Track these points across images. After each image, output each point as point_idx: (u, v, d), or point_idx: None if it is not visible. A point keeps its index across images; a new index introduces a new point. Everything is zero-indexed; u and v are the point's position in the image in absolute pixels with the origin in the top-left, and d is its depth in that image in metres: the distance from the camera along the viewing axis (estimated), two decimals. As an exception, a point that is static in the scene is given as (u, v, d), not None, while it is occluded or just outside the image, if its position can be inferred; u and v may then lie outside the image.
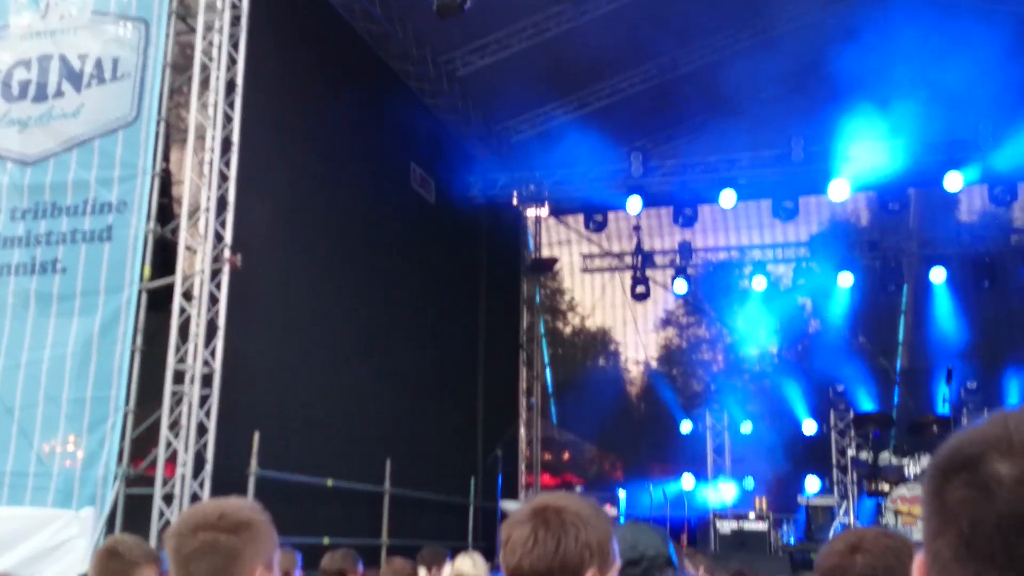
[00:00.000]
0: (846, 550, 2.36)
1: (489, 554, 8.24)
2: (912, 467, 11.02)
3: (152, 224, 7.96)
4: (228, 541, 1.90)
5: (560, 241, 16.07)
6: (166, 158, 8.60)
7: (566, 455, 16.19)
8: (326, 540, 8.11)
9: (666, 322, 16.76)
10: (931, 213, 13.73)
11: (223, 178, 7.96)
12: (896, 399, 14.10)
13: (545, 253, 15.99)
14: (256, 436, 8.03)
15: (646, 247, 15.31)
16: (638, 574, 2.42)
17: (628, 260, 15.53)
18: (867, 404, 13.30)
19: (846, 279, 13.80)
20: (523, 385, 15.28)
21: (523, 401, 15.16)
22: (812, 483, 13.00)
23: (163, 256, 8.10)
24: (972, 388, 11.85)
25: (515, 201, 14.51)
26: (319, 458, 9.11)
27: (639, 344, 16.52)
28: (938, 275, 13.46)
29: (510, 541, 1.98)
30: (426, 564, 6.59)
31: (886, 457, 11.32)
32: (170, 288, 7.77)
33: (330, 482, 9.21)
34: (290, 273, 9.18)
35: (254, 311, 8.49)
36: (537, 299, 16.03)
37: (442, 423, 11.97)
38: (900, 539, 2.42)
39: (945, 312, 13.58)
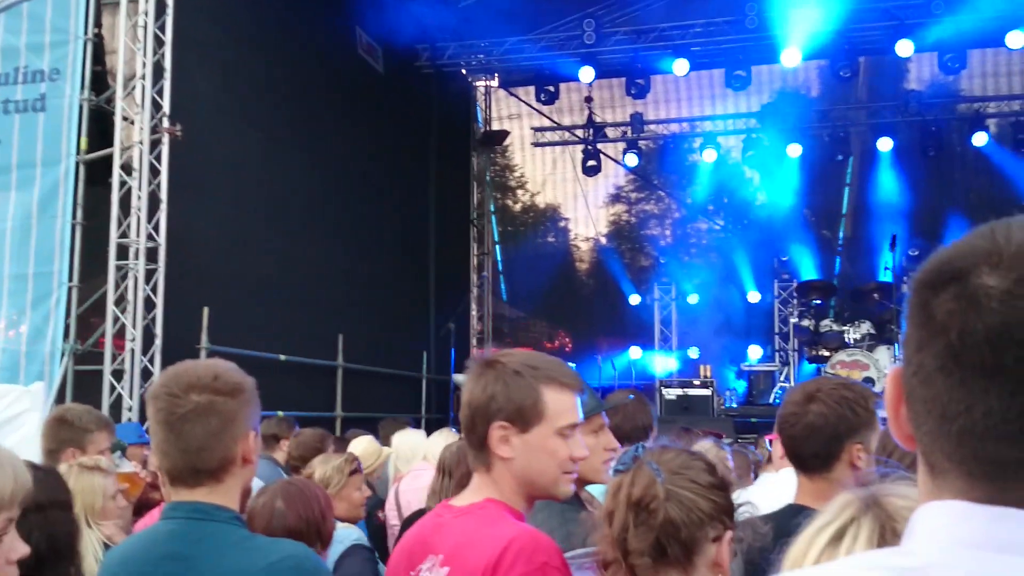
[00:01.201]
0: (803, 399, 2.41)
1: (442, 425, 8.41)
2: (852, 334, 11.40)
3: (87, 93, 7.67)
4: (225, 403, 1.82)
5: (511, 115, 15.82)
6: (98, 23, 8.17)
7: (515, 330, 16.39)
8: (280, 414, 8.19)
9: (616, 198, 16.79)
10: (881, 82, 13.72)
11: (158, 43, 7.62)
12: (838, 268, 14.44)
13: (495, 127, 15.74)
14: (206, 311, 7.98)
15: (597, 120, 15.13)
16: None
17: (580, 134, 15.37)
18: (810, 273, 13.60)
19: (794, 150, 13.87)
20: (474, 261, 15.29)
21: (474, 277, 15.20)
22: (755, 351, 13.41)
23: (101, 127, 7.83)
24: (914, 255, 12.13)
25: (465, 72, 14.18)
26: (272, 333, 9.09)
27: (589, 220, 16.57)
28: (884, 144, 13.58)
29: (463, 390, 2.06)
30: (386, 433, 6.70)
31: (827, 324, 11.68)
32: (109, 160, 7.53)
33: (283, 357, 9.24)
34: (236, 143, 8.93)
35: (199, 183, 8.29)
36: (488, 176, 15.87)
37: (394, 298, 11.99)
38: (860, 390, 2.46)
39: (890, 181, 13.76)
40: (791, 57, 12.23)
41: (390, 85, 12.17)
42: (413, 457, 5.25)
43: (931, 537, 0.78)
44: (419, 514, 3.71)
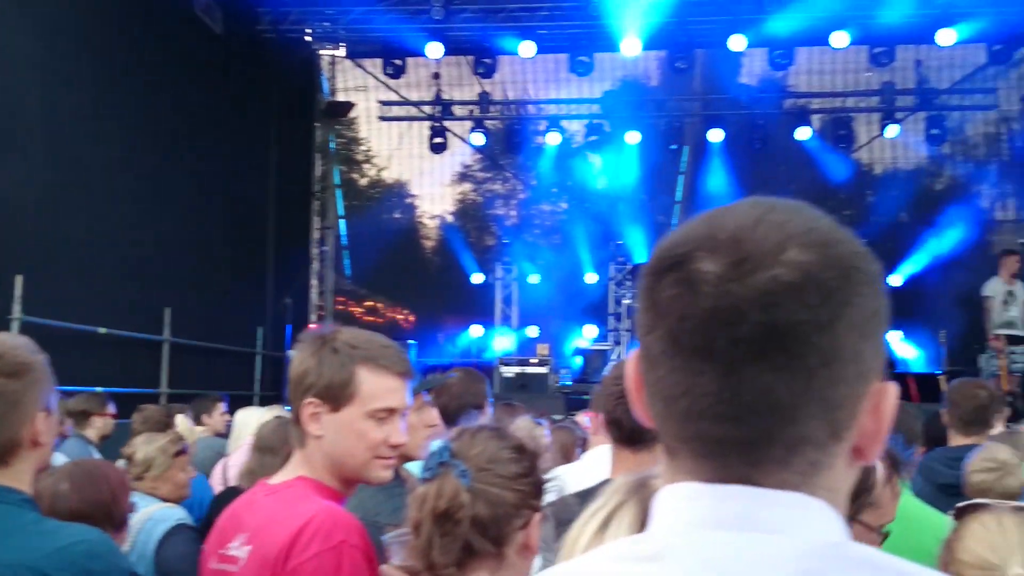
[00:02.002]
0: (621, 375, 2.51)
1: (276, 403, 8.21)
2: (681, 315, 11.86)
3: None
4: (7, 385, 1.72)
5: (357, 87, 15.51)
6: None
7: (357, 307, 16.19)
8: (99, 390, 7.78)
9: (463, 176, 16.82)
10: (715, 75, 14.32)
11: (-35, -12, 7.01)
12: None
13: (341, 98, 15.39)
14: (19, 279, 7.46)
15: (445, 97, 15.07)
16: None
17: (427, 110, 15.26)
18: (644, 257, 14.10)
19: (633, 137, 14.29)
20: (315, 235, 14.95)
21: (315, 252, 14.88)
22: (590, 330, 13.81)
23: None
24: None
25: (309, 39, 13.78)
26: (92, 305, 8.59)
27: (435, 197, 16.53)
28: (715, 135, 14.20)
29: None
30: (195, 412, 6.51)
31: (658, 305, 12.11)
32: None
33: (103, 330, 8.76)
34: (56, 104, 8.32)
35: (13, 144, 7.70)
36: (332, 146, 15.52)
37: (228, 271, 11.57)
38: None
39: (720, 171, 14.41)
40: (631, 46, 12.59)
41: (229, 49, 11.67)
42: (247, 432, 5.14)
43: (666, 520, 0.80)
44: (232, 492, 3.62)
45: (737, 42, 12.46)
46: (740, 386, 0.75)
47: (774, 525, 0.76)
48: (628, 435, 2.43)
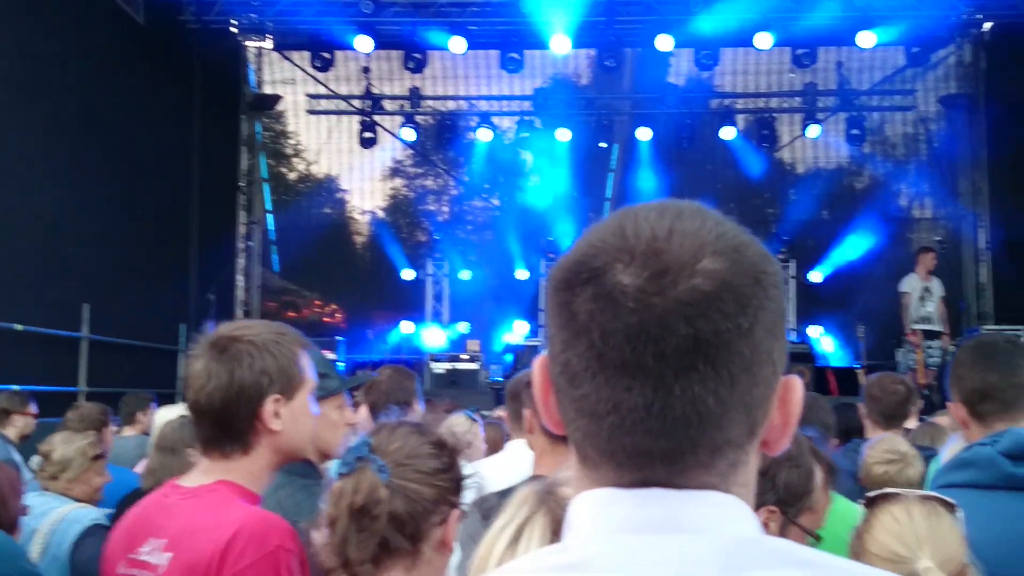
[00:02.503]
0: None
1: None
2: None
3: None
4: None
5: (285, 80, 15.25)
6: None
7: (287, 303, 15.96)
8: (16, 388, 7.55)
9: (395, 172, 16.69)
10: (644, 74, 14.47)
11: None
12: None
13: (268, 91, 15.13)
14: (-76, 275, 7.18)
15: (375, 91, 14.94)
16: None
17: (357, 104, 15.11)
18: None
19: (564, 135, 14.37)
20: (241, 230, 14.67)
21: (241, 246, 14.61)
22: (521, 326, 13.85)
23: None
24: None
25: (235, 31, 13.52)
26: (8, 301, 8.32)
27: (366, 192, 16.37)
28: (644, 134, 14.36)
29: (187, 378, 1.92)
30: (128, 410, 6.41)
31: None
32: None
33: (20, 327, 8.49)
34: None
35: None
36: (259, 138, 15.23)
37: (150, 266, 11.29)
38: None
39: (649, 170, 14.56)
40: (560, 44, 12.66)
41: (152, 37, 11.38)
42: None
43: (585, 528, 0.80)
44: (137, 494, 3.54)
45: (664, 42, 12.62)
46: (669, 399, 0.75)
47: (694, 525, 0.76)
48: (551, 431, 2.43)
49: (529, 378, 2.60)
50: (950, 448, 2.70)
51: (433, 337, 13.70)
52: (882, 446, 3.22)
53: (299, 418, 1.94)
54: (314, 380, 2.00)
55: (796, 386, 0.82)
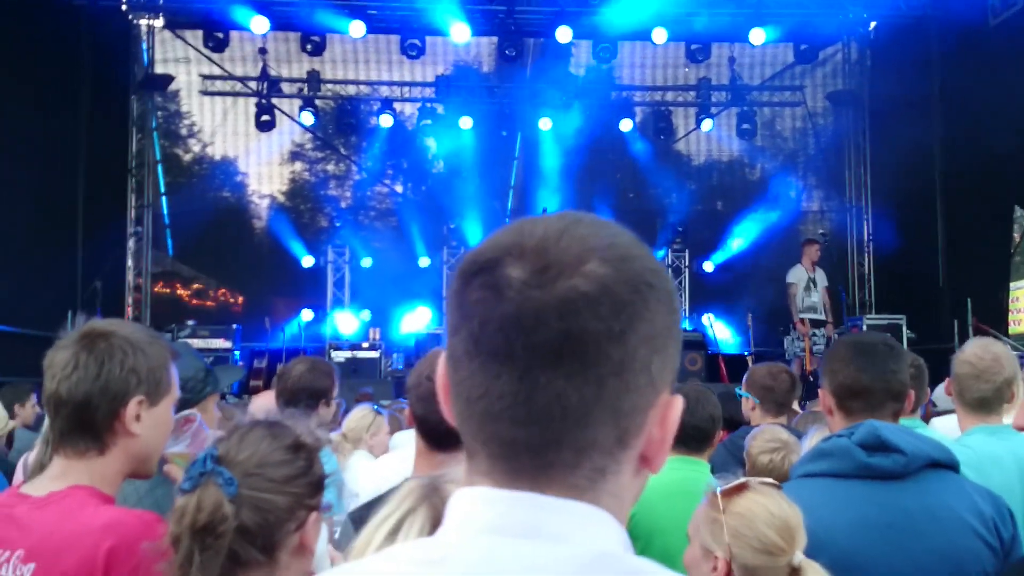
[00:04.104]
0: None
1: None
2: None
3: None
4: None
5: (177, 58, 14.73)
6: None
7: (182, 288, 15.50)
8: None
9: (295, 155, 16.32)
10: (547, 64, 14.57)
11: None
12: (503, 236, 15.18)
13: (160, 70, 14.61)
14: None
15: (272, 73, 14.59)
16: (184, 400, 2.38)
17: (253, 86, 14.73)
18: (479, 241, 14.18)
19: (466, 122, 14.35)
20: (132, 214, 14.16)
21: (131, 231, 14.11)
22: (423, 314, 13.80)
23: None
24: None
25: (124, 8, 13.02)
26: None
27: (263, 176, 15.98)
28: (545, 124, 14.46)
29: (50, 366, 1.85)
30: (6, 401, 6.16)
31: (486, 289, 12.28)
32: None
33: None
34: None
35: None
36: (154, 122, 14.72)
37: (33, 251, 10.83)
38: None
39: (551, 159, 14.64)
40: (460, 33, 12.65)
41: (34, 12, 10.87)
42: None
43: (454, 525, 0.82)
44: None
45: (563, 34, 12.76)
46: (534, 390, 0.78)
47: (557, 534, 0.79)
48: (434, 435, 2.40)
49: (426, 370, 2.59)
50: (811, 438, 2.85)
51: (347, 323, 13.54)
52: (764, 436, 3.33)
53: (159, 426, 1.91)
54: (178, 393, 1.97)
55: (678, 405, 0.85)
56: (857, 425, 2.31)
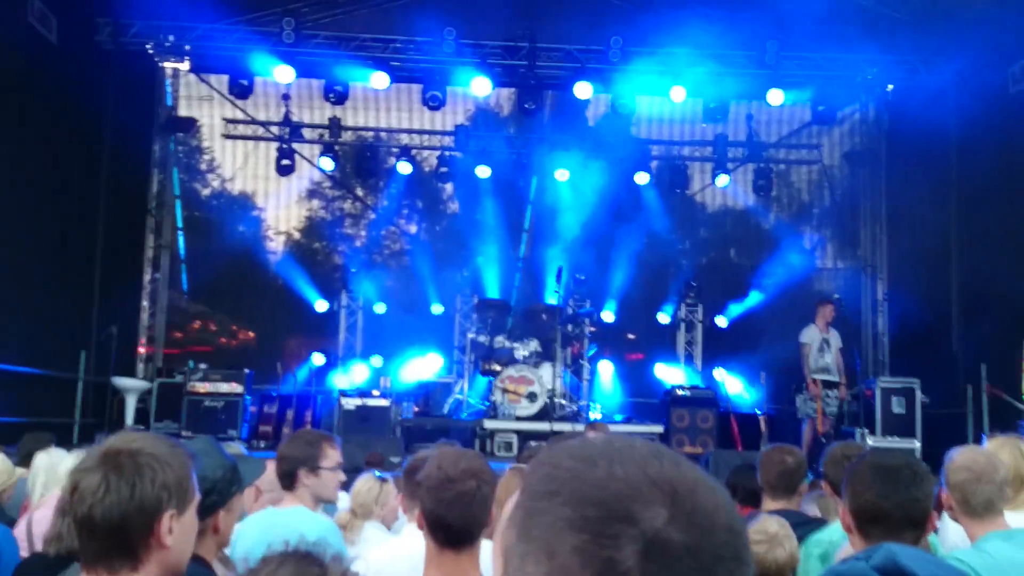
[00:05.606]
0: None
1: (98, 431, 7.79)
2: (521, 351, 12.15)
3: None
4: None
5: (201, 97, 14.89)
6: None
7: (196, 326, 15.53)
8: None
9: (312, 195, 16.39)
10: (564, 116, 14.69)
11: None
12: (517, 283, 15.22)
13: (183, 112, 14.79)
14: None
15: (295, 119, 14.76)
16: (211, 504, 2.40)
17: (275, 131, 14.89)
18: (492, 288, 14.22)
19: (483, 171, 14.44)
20: (149, 254, 14.24)
21: (148, 272, 14.18)
22: (435, 362, 13.75)
23: None
24: (581, 278, 13.14)
25: (152, 53, 13.24)
26: None
27: (281, 217, 16.04)
28: (562, 175, 14.54)
29: (78, 490, 1.85)
30: (26, 450, 6.12)
31: (501, 340, 12.34)
32: None
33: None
34: None
35: None
36: (172, 147, 14.74)
37: (50, 291, 10.93)
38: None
39: (566, 209, 14.66)
40: (481, 86, 12.83)
41: (65, 58, 11.07)
42: (54, 482, 4.81)
43: None
44: (38, 559, 3.37)
45: (582, 90, 12.93)
46: None
47: None
48: (448, 534, 2.41)
49: (422, 473, 2.56)
50: (843, 550, 2.80)
51: (346, 373, 13.49)
52: (755, 527, 3.28)
53: (187, 532, 1.94)
54: (198, 495, 1.99)
55: None
56: (875, 548, 2.30)
